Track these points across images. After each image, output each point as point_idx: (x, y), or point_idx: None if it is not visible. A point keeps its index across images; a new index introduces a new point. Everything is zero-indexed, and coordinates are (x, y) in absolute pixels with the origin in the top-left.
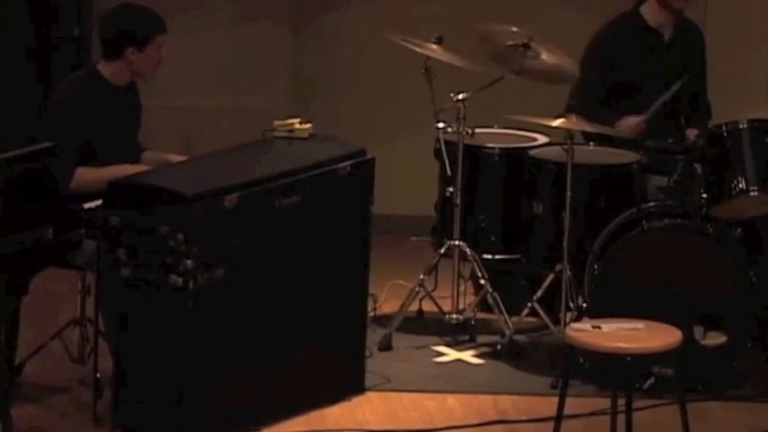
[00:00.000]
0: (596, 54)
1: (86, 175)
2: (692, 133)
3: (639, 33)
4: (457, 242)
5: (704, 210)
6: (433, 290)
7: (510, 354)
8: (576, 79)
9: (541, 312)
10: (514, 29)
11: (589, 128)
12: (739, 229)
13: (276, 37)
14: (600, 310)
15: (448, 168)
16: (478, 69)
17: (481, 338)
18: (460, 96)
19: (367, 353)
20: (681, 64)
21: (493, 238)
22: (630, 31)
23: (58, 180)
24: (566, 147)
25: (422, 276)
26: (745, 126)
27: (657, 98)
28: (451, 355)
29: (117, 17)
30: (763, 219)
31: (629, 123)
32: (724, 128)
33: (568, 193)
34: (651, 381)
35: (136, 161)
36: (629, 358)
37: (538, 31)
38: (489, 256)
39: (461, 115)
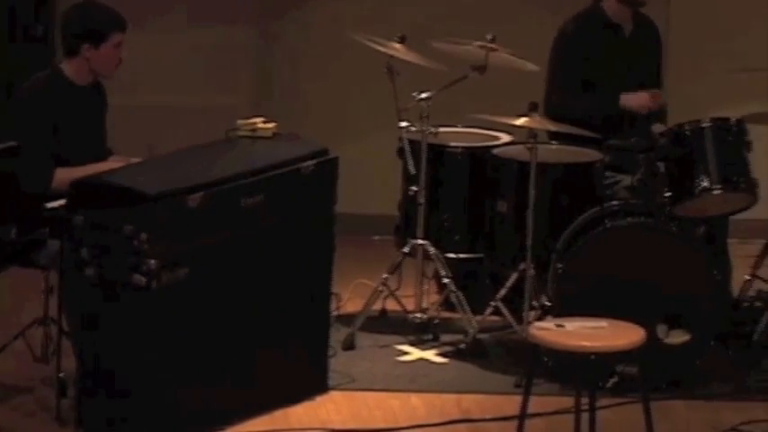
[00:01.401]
0: (565, 50)
1: (66, 175)
2: (656, 127)
3: (602, 29)
4: (420, 241)
5: (668, 208)
6: (397, 289)
7: (473, 353)
8: (548, 78)
9: (505, 311)
10: (476, 43)
11: (553, 127)
12: (703, 228)
13: (240, 36)
14: (563, 308)
15: (411, 167)
16: (442, 68)
17: (445, 337)
18: (423, 95)
19: (330, 352)
20: (641, 59)
21: (456, 237)
22: (594, 27)
23: (38, 181)
24: (529, 146)
25: (385, 275)
26: (708, 125)
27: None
28: (415, 354)
29: (75, 14)
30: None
31: (641, 98)
32: (687, 126)
33: (532, 192)
34: (615, 379)
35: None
36: (592, 357)
37: (506, 31)
38: (453, 255)
39: (425, 114)
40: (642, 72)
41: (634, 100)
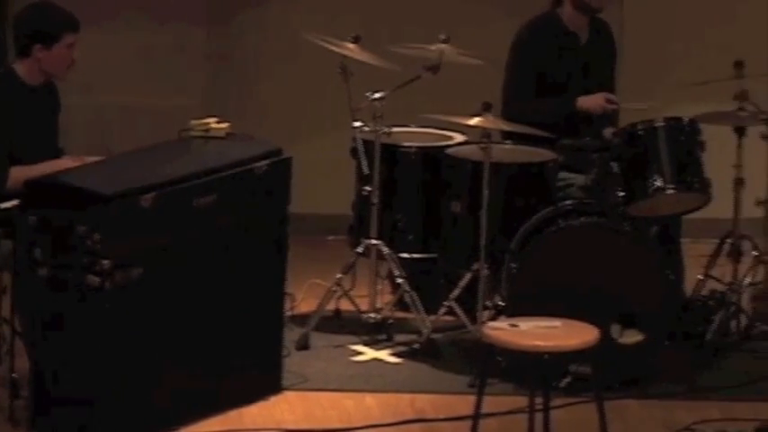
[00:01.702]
0: (520, 57)
1: (19, 174)
2: (607, 131)
3: (558, 36)
4: (374, 241)
5: (621, 208)
6: (351, 289)
7: (427, 353)
8: (504, 86)
9: (459, 311)
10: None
11: (507, 127)
12: (656, 228)
13: (194, 36)
14: (517, 308)
15: (365, 167)
16: (395, 68)
17: (399, 337)
18: (377, 95)
19: (284, 352)
20: (596, 67)
21: (410, 237)
22: (549, 35)
23: None
24: (483, 145)
25: (339, 275)
26: (661, 124)
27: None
28: (369, 354)
29: (28, 14)
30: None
31: (597, 99)
32: (640, 126)
33: (485, 192)
34: (568, 379)
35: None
36: (546, 356)
37: (462, 32)
38: (407, 255)
39: (378, 114)
40: (597, 79)
41: (590, 101)
